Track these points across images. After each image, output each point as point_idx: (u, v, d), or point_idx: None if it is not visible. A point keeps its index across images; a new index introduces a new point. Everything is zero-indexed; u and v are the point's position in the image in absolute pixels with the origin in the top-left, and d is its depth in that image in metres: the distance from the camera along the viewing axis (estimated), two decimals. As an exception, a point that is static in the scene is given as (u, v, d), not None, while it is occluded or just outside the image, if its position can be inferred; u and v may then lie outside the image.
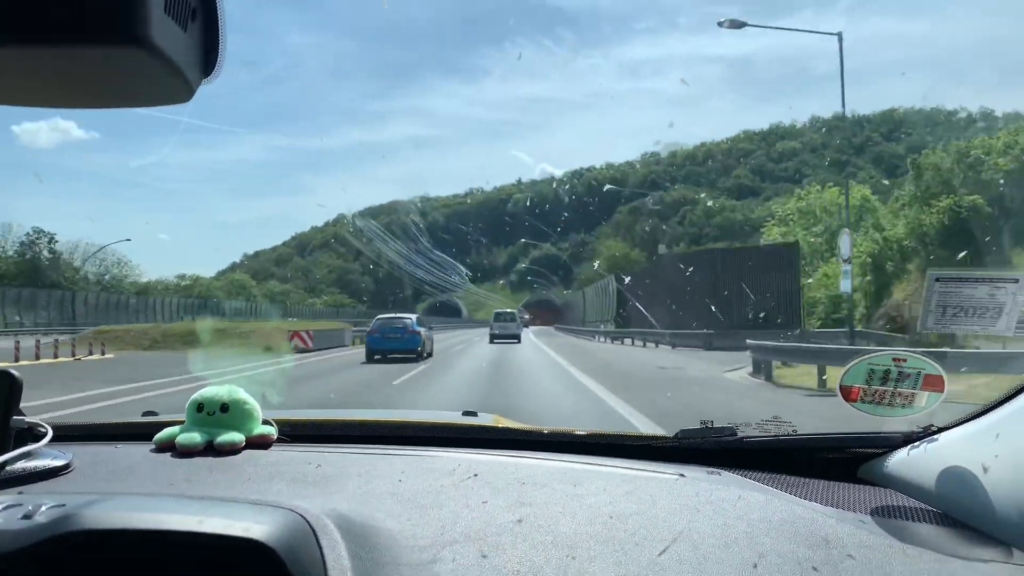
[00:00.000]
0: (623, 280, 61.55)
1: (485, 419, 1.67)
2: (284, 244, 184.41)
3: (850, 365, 1.23)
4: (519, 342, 31.91)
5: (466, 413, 1.71)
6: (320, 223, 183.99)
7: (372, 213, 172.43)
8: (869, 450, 1.30)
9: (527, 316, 57.34)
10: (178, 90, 0.60)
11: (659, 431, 3.25)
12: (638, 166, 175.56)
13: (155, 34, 0.54)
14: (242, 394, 1.41)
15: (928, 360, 1.22)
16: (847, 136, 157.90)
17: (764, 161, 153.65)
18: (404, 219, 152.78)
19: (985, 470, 1.02)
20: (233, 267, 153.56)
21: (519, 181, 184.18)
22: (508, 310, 38.89)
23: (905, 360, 1.21)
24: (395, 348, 20.73)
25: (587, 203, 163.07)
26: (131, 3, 0.53)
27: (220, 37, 0.62)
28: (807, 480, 1.27)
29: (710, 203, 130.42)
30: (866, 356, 1.24)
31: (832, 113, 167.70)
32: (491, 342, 31.65)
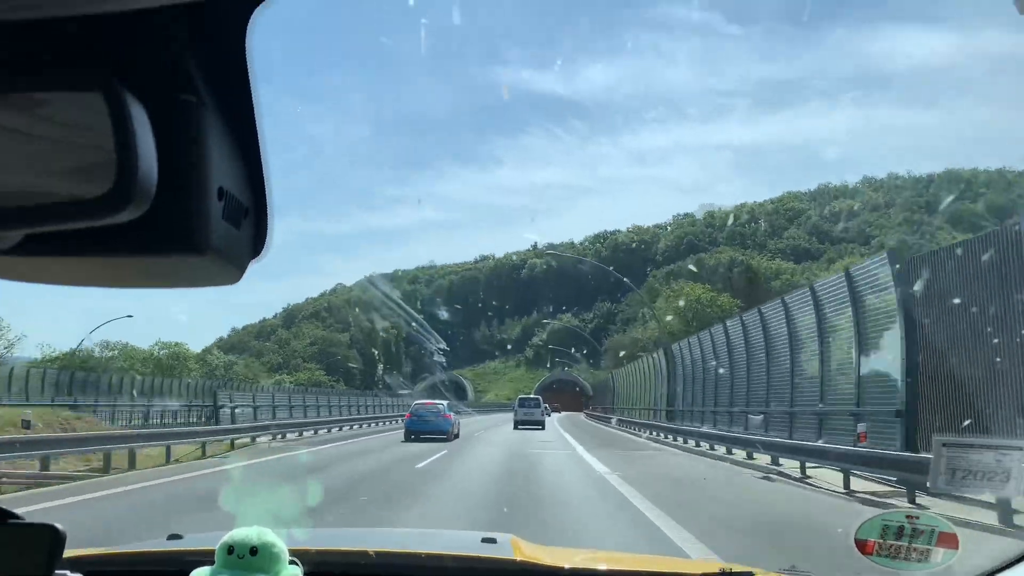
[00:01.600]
0: (671, 355, 41.06)
1: (504, 544, 1.65)
2: (274, 316, 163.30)
3: (864, 520, 1.31)
4: (543, 428, 31.91)
5: (485, 540, 1.69)
6: (316, 293, 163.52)
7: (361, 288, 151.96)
8: None
9: (557, 404, 53.61)
10: (229, 275, 0.64)
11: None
12: (669, 228, 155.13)
13: (214, 241, 0.59)
14: (271, 536, 1.46)
15: (940, 518, 1.29)
16: (914, 194, 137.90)
17: (819, 221, 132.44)
18: (398, 289, 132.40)
19: None
20: (218, 341, 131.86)
21: (535, 246, 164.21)
22: (532, 396, 39.05)
23: (918, 517, 1.29)
24: (429, 430, 24.12)
25: (612, 269, 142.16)
26: (194, 218, 0.57)
27: (269, 223, 0.66)
28: None
29: (765, 264, 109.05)
30: (880, 512, 1.32)
31: (887, 173, 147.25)
32: (515, 428, 31.86)
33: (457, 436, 25.46)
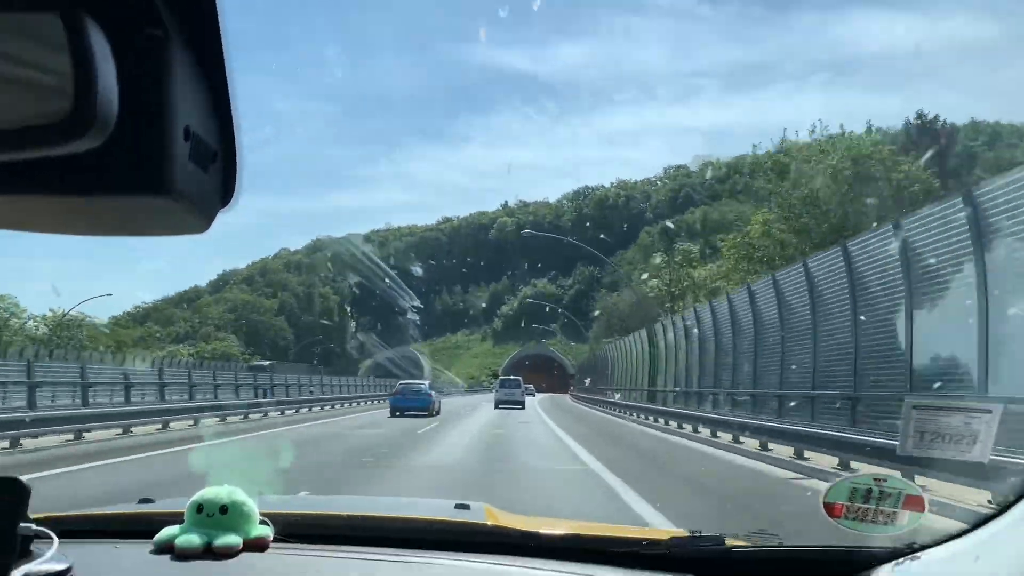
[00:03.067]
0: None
1: (477, 511, 1.70)
2: (207, 284, 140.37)
3: (832, 484, 1.33)
4: (523, 408, 34.01)
5: (459, 506, 1.75)
6: (258, 258, 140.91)
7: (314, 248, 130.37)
8: (855, 564, 1.32)
9: (530, 385, 47.15)
10: (196, 222, 0.63)
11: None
12: (660, 184, 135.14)
13: (180, 183, 0.57)
14: (241, 495, 1.46)
15: (908, 481, 1.32)
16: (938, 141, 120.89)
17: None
18: (350, 249, 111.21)
19: None
20: (134, 310, 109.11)
21: (505, 204, 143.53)
22: (513, 377, 39.53)
23: (885, 480, 1.32)
24: (412, 407, 26.70)
25: (596, 228, 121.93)
26: (158, 157, 0.56)
27: (238, 171, 0.65)
28: None
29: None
30: (848, 476, 1.35)
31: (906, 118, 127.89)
32: (496, 407, 33.31)
33: (438, 412, 27.28)
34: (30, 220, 0.63)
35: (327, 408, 34.42)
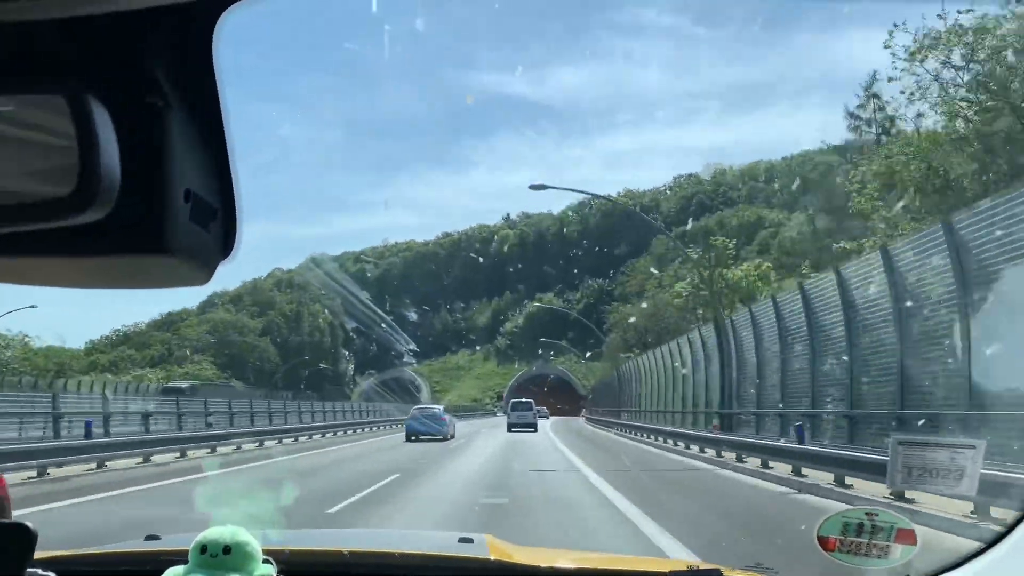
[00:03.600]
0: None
1: (480, 544, 1.68)
2: (198, 305, 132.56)
3: (825, 518, 1.37)
4: (535, 431, 33.12)
5: (462, 540, 1.73)
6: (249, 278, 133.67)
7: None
8: None
9: (543, 407, 44.27)
10: (198, 276, 0.65)
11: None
12: (668, 192, 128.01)
13: (181, 242, 0.59)
14: (244, 535, 1.48)
15: (900, 515, 1.36)
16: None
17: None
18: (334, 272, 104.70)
19: None
20: (113, 334, 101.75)
21: (507, 217, 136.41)
22: (524, 400, 38.56)
23: (877, 514, 1.35)
24: (427, 431, 26.91)
25: (604, 238, 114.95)
26: (159, 219, 0.58)
27: (238, 224, 0.67)
28: None
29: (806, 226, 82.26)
30: (841, 511, 1.38)
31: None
32: (509, 430, 32.70)
33: (453, 436, 27.10)
34: (35, 277, 0.65)
35: (297, 439, 27.45)
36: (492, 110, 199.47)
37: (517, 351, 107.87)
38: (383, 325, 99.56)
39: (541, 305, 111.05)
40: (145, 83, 0.58)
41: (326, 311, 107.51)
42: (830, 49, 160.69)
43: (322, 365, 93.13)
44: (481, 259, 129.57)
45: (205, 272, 0.65)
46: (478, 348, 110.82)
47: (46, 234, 0.56)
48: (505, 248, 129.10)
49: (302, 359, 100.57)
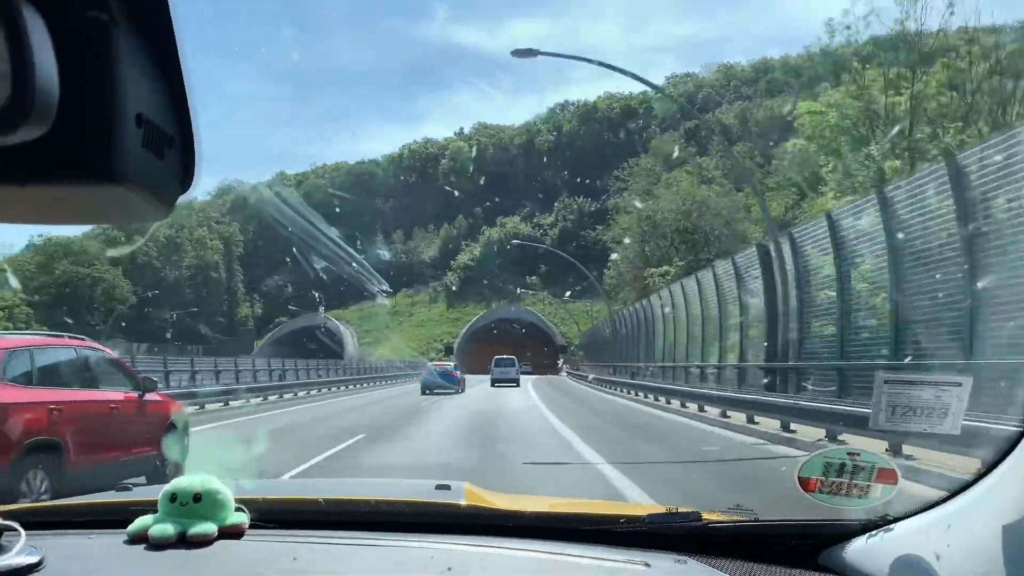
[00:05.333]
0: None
1: (457, 491, 1.70)
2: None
3: (807, 458, 1.38)
4: (517, 385, 35.41)
5: (439, 486, 1.73)
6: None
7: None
8: (828, 537, 1.37)
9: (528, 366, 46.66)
10: (155, 209, 0.62)
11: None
12: (655, 94, 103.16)
13: (133, 170, 0.56)
14: (215, 483, 1.45)
15: (880, 455, 1.38)
16: None
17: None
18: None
19: (938, 559, 1.10)
20: None
21: (460, 132, 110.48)
22: (507, 356, 39.53)
23: (859, 454, 1.36)
24: (440, 385, 29.38)
25: (584, 148, 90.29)
26: (108, 145, 0.55)
27: (197, 155, 0.64)
28: (770, 567, 1.35)
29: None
30: (822, 450, 1.40)
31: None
32: (492, 386, 35.36)
33: (463, 391, 29.45)
34: None
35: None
36: (445, 63, 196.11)
37: (473, 291, 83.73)
38: (346, 259, 73.71)
39: (503, 235, 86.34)
40: None
41: (216, 239, 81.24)
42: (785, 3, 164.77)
43: (194, 309, 67.31)
44: (426, 183, 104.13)
45: (162, 205, 0.61)
46: (423, 289, 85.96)
47: None
48: (457, 164, 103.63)
49: (189, 304, 74.73)
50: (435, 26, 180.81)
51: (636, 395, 25.05)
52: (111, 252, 69.15)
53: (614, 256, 49.92)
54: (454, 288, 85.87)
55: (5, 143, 0.52)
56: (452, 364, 33.35)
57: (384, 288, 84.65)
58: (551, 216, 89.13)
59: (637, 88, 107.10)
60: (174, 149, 0.62)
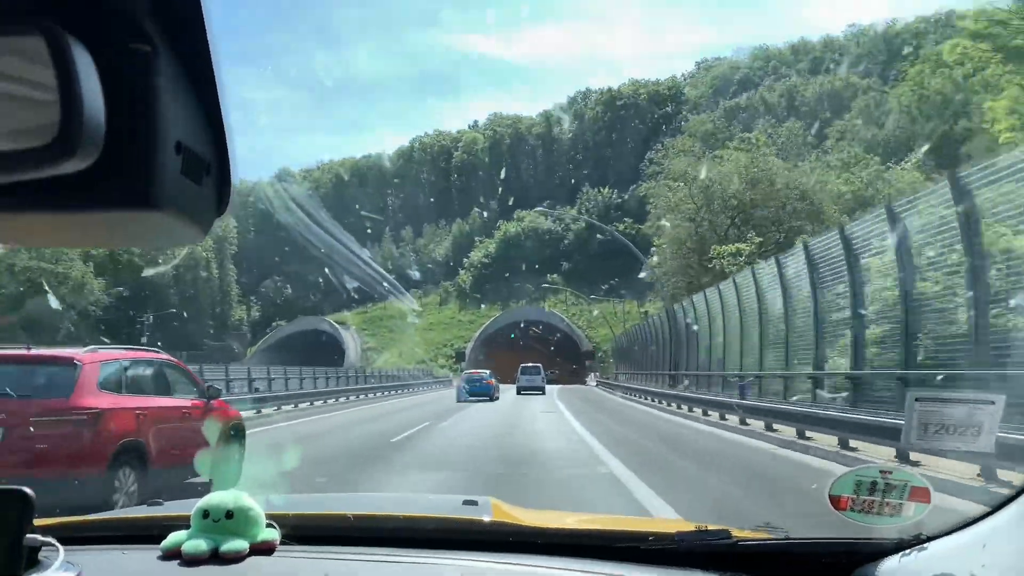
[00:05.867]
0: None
1: (484, 507, 1.72)
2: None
3: (838, 476, 1.38)
4: (543, 393, 35.69)
5: (467, 502, 1.76)
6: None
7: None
8: (861, 555, 1.35)
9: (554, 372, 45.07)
10: (191, 233, 0.63)
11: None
12: (686, 79, 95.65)
13: (171, 196, 0.57)
14: (247, 500, 1.49)
15: (914, 473, 1.35)
16: None
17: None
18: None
19: None
20: None
21: (475, 124, 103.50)
22: (533, 364, 40.03)
23: (891, 472, 1.35)
24: (477, 393, 30.14)
25: (608, 137, 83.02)
26: (149, 172, 0.56)
27: (233, 181, 0.65)
28: None
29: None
30: (854, 468, 1.39)
31: None
32: (518, 393, 35.88)
33: (497, 398, 30.56)
34: (22, 235, 0.63)
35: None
36: (460, 71, 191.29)
37: (488, 291, 76.33)
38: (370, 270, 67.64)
39: (520, 231, 79.07)
40: (129, 27, 0.55)
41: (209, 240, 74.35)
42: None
43: (172, 310, 60.26)
44: (437, 177, 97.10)
45: (198, 229, 0.62)
46: (433, 289, 78.63)
47: (28, 188, 0.54)
48: (471, 156, 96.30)
49: (174, 306, 67.77)
50: (450, 35, 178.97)
51: (702, 413, 18.56)
52: (148, 272, 64.03)
53: (657, 245, 42.24)
54: (466, 287, 78.49)
55: (54, 173, 0.52)
56: (487, 372, 33.60)
57: (414, 307, 77.53)
58: (573, 208, 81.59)
59: (664, 74, 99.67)
60: (211, 175, 0.62)
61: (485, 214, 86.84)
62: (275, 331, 74.43)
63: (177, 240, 0.65)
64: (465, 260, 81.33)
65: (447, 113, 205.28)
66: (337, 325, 70.63)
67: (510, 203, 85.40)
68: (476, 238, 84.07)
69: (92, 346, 7.21)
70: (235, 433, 7.69)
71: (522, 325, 65.43)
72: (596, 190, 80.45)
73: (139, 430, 6.58)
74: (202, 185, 0.62)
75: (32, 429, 5.95)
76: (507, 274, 75.23)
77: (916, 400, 1.43)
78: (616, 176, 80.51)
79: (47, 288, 54.57)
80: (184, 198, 0.59)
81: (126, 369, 6.99)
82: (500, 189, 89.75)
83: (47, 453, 5.91)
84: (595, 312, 68.50)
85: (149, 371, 7.49)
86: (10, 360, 6.72)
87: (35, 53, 0.52)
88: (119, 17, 0.56)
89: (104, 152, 0.53)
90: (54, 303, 58.17)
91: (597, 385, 48.76)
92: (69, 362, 6.46)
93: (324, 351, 65.91)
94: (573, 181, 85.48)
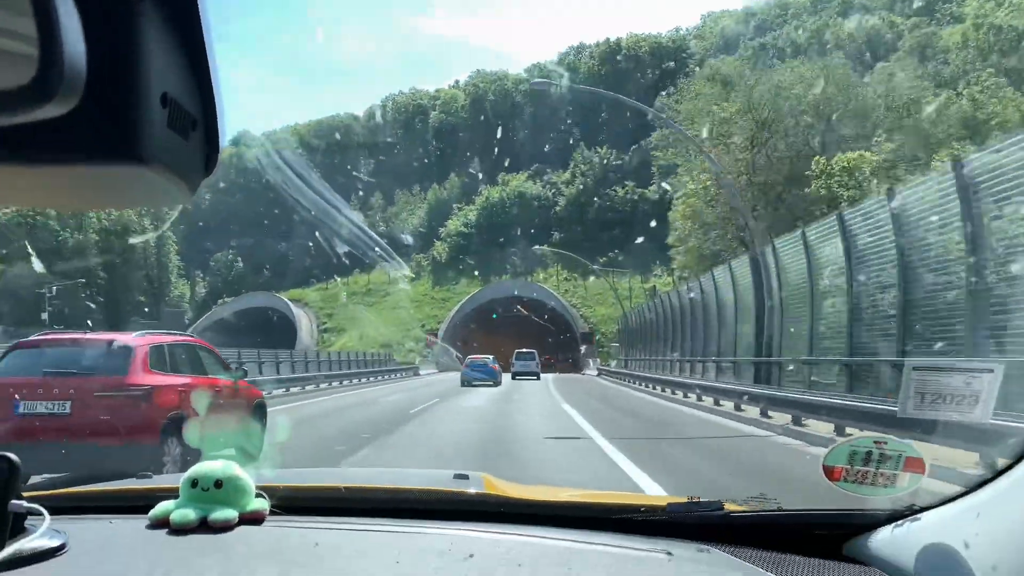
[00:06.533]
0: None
1: (475, 481, 1.73)
2: None
3: (832, 447, 1.36)
4: (538, 378, 35.93)
5: (457, 476, 1.77)
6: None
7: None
8: (854, 527, 1.35)
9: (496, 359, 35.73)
10: (178, 192, 0.61)
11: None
12: (691, 33, 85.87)
13: (158, 150, 0.56)
14: (236, 470, 1.48)
15: (909, 443, 1.34)
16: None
17: None
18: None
19: (967, 547, 1.09)
20: None
21: (456, 84, 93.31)
22: (528, 350, 40.02)
23: (886, 443, 1.33)
24: (479, 378, 30.40)
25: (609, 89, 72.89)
26: (133, 124, 0.54)
27: (221, 138, 0.63)
28: (793, 558, 1.33)
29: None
30: (848, 439, 1.37)
31: None
32: (513, 378, 35.93)
33: (500, 383, 30.42)
34: (2, 191, 0.62)
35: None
36: (449, 57, 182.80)
37: (467, 263, 66.38)
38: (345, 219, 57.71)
39: (504, 197, 69.40)
40: None
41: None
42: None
43: (81, 280, 50.30)
44: (413, 139, 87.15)
45: (185, 187, 0.61)
46: (404, 262, 68.50)
47: (8, 137, 0.52)
48: (450, 116, 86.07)
49: (97, 278, 58.12)
50: (439, 22, 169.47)
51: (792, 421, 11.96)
52: (134, 239, 55.16)
53: (683, 189, 32.63)
54: (441, 260, 68.55)
55: (30, 119, 0.51)
56: (491, 357, 33.36)
57: (405, 273, 68.01)
58: (567, 172, 71.69)
59: (666, 26, 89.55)
60: (198, 131, 0.61)
61: (465, 179, 76.88)
62: (217, 309, 64.32)
63: (164, 199, 0.63)
64: (441, 230, 71.37)
65: (425, 70, 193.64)
66: (290, 302, 60.66)
67: (494, 166, 75.46)
68: (455, 205, 74.03)
69: (143, 331, 8.04)
70: (258, 410, 9.24)
71: (505, 302, 55.72)
72: (593, 150, 70.58)
73: (182, 405, 7.21)
74: (189, 140, 0.60)
75: (94, 403, 6.71)
76: (489, 245, 65.44)
77: (913, 369, 1.38)
78: (614, 137, 70.81)
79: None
80: (170, 153, 0.57)
81: (169, 351, 7.74)
82: (483, 152, 79.71)
83: (108, 424, 6.55)
84: (590, 286, 58.87)
85: (187, 353, 8.18)
86: (73, 343, 7.46)
87: None
88: None
89: (85, 101, 0.51)
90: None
91: (599, 374, 39.49)
92: (125, 344, 7.21)
93: (275, 332, 56.33)
94: (571, 141, 75.57)
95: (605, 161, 68.00)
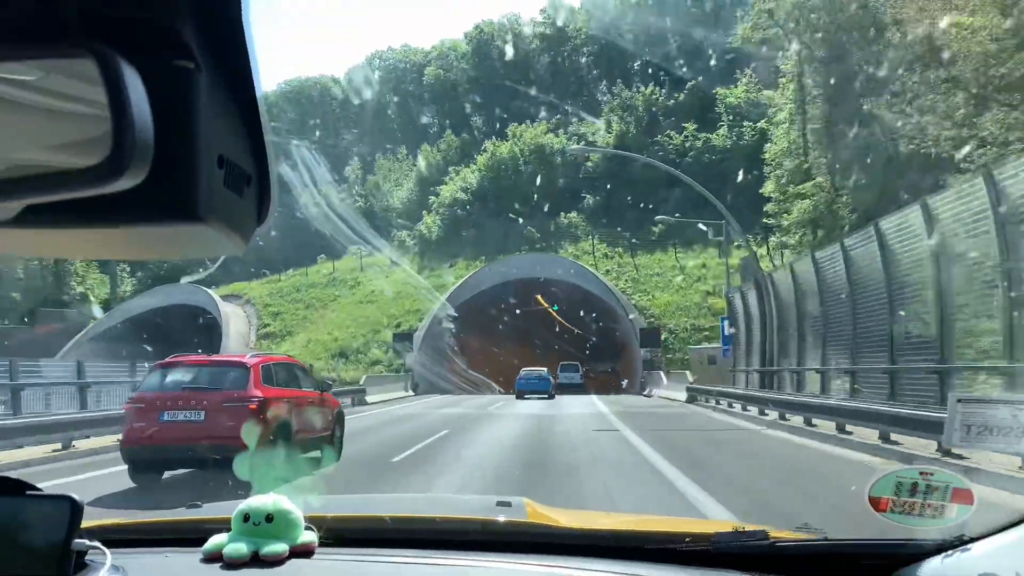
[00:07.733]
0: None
1: (518, 507, 1.76)
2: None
3: (877, 477, 1.36)
4: (551, 398, 31.81)
5: (500, 503, 1.81)
6: None
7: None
8: (902, 557, 1.35)
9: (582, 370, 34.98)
10: (232, 244, 0.64)
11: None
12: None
13: (214, 209, 0.59)
14: (286, 503, 1.54)
15: (956, 474, 1.34)
16: None
17: None
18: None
19: None
20: None
21: (441, 43, 76.17)
22: (571, 363, 36.42)
23: (932, 474, 1.33)
24: (534, 389, 30.74)
25: (649, 23, 55.30)
26: (193, 187, 0.57)
27: (273, 192, 0.66)
28: None
29: None
30: (894, 469, 1.38)
31: None
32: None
33: (554, 396, 30.52)
34: (69, 249, 0.67)
35: None
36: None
37: (464, 242, 49.26)
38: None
39: (527, 145, 52.11)
40: (174, 45, 0.57)
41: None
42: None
43: None
44: (404, 100, 70.57)
45: (240, 239, 0.64)
46: (380, 247, 51.23)
47: (80, 205, 0.55)
48: (447, 68, 69.01)
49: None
50: None
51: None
52: (186, 280, 49.01)
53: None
54: (433, 238, 51.35)
55: (106, 191, 0.53)
56: (545, 370, 31.78)
57: (386, 255, 51.87)
58: (599, 122, 54.44)
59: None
60: (252, 187, 0.64)
61: (465, 136, 59.82)
62: (115, 309, 47.59)
63: (219, 250, 0.65)
64: (432, 200, 54.22)
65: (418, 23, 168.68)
66: (219, 299, 43.83)
67: (502, 116, 58.57)
68: (451, 168, 56.90)
69: (254, 352, 9.58)
70: (339, 416, 11.11)
71: (518, 286, 38.51)
72: (636, 89, 53.24)
73: (287, 413, 9.10)
74: (243, 197, 0.62)
75: (222, 411, 8.36)
76: (495, 216, 48.43)
77: (958, 401, 1.48)
78: (661, 74, 53.72)
79: None
80: (226, 210, 0.60)
81: (275, 369, 9.47)
82: (486, 101, 62.78)
83: (233, 428, 7.68)
84: (642, 264, 41.53)
85: (286, 371, 9.90)
86: (202, 364, 9.48)
87: (87, 74, 0.53)
88: (164, 35, 0.56)
89: (151, 168, 0.54)
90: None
91: (690, 398, 22.44)
92: (242, 364, 9.07)
93: (202, 335, 39.84)
94: (596, 88, 58.55)
95: (650, 101, 50.79)
